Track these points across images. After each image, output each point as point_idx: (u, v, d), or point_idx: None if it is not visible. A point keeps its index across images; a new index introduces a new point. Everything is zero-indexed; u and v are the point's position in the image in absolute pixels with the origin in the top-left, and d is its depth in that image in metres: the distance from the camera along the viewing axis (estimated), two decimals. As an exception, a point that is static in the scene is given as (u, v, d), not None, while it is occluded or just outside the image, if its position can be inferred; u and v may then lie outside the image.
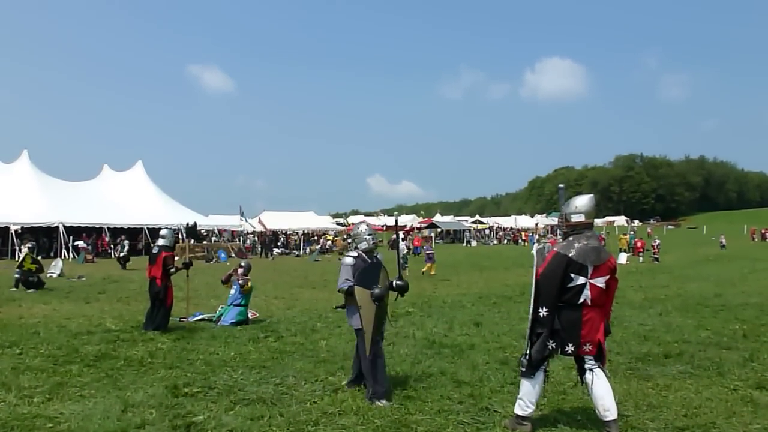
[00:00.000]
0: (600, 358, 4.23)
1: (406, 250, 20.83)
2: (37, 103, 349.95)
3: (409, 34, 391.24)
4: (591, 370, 4.19)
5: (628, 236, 34.47)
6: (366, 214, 76.31)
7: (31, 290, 14.15)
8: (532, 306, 4.17)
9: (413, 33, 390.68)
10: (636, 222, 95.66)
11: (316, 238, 45.22)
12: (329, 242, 41.83)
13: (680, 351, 7.13)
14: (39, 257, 16.50)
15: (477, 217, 74.71)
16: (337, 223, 52.42)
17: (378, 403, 5.01)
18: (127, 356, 6.94)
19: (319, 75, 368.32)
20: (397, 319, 9.85)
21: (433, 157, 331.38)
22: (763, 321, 9.40)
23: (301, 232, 44.48)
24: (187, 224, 31.51)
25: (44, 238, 31.10)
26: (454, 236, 59.55)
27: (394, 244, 41.60)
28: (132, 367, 6.40)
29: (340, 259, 5.94)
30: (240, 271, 9.82)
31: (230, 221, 42.68)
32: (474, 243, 52.38)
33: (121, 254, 23.67)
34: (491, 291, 14.43)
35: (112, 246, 30.23)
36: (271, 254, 34.73)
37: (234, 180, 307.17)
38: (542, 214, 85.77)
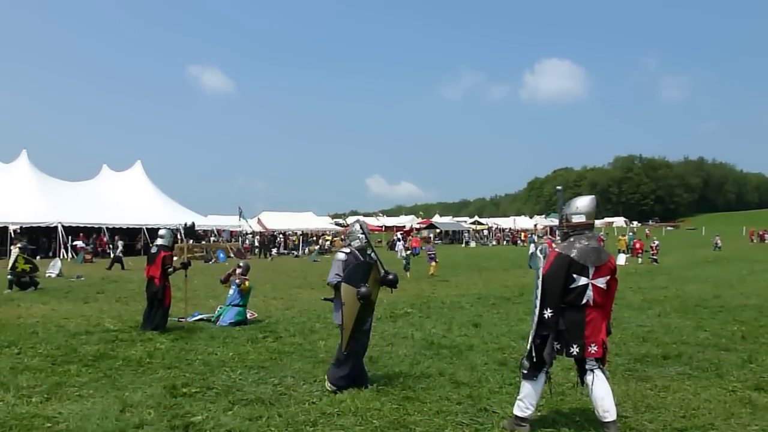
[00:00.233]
0: (601, 359, 4.24)
1: (407, 252, 20.73)
2: (36, 103, 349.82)
3: (409, 36, 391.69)
4: (592, 371, 4.19)
5: (626, 237, 34.50)
6: (365, 215, 76.25)
7: (30, 289, 14.11)
8: (537, 307, 4.15)
9: (413, 34, 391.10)
10: (635, 223, 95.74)
11: (315, 238, 45.21)
12: (328, 242, 41.81)
13: (679, 352, 7.13)
14: (37, 257, 16.42)
15: (476, 217, 74.73)
16: (336, 224, 52.33)
17: (328, 385, 5.39)
18: (125, 356, 6.93)
19: (319, 76, 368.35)
20: (395, 320, 9.86)
21: (432, 158, 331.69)
22: (762, 322, 9.40)
23: (300, 233, 44.48)
24: (186, 224, 31.46)
25: (43, 238, 31.11)
26: (453, 237, 59.56)
27: (393, 245, 41.63)
28: (130, 367, 6.39)
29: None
30: (238, 271, 9.82)
31: (229, 221, 42.67)
32: (473, 244, 52.38)
33: (115, 254, 23.61)
34: (490, 292, 14.43)
35: (110, 246, 30.20)
36: (270, 255, 34.71)
37: (233, 180, 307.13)
38: (541, 215, 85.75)
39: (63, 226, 29.60)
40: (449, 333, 8.58)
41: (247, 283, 9.61)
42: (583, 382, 4.30)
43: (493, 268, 23.47)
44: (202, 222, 39.02)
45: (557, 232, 4.68)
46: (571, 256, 4.15)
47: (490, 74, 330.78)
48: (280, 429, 4.41)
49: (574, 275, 4.13)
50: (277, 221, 44.18)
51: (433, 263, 19.89)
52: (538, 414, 4.63)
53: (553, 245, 5.69)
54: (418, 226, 56.25)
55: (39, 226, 29.87)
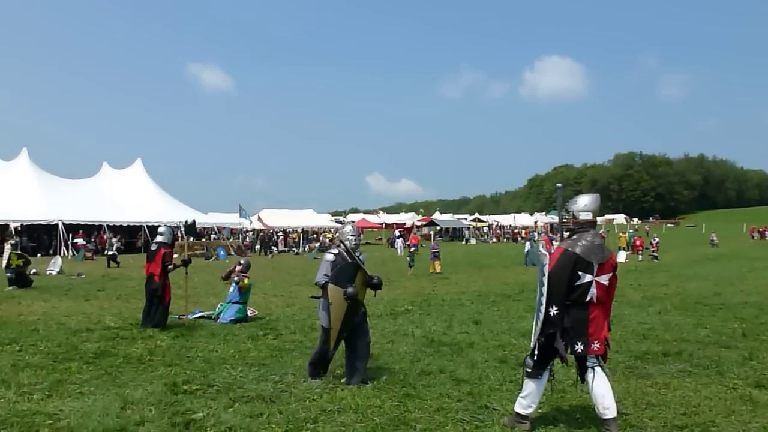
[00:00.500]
0: (602, 357, 4.24)
1: (412, 250, 20.65)
2: (36, 100, 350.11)
3: (409, 34, 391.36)
4: (592, 368, 4.19)
5: (627, 234, 34.49)
6: (365, 212, 76.26)
7: (14, 286, 14.09)
8: (543, 305, 4.13)
9: (413, 32, 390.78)
10: (635, 220, 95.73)
11: (315, 236, 45.22)
12: (328, 240, 41.81)
13: (679, 349, 7.13)
14: (38, 255, 16.49)
15: (476, 215, 74.63)
16: (337, 221, 52.38)
17: (311, 379, 5.59)
18: (126, 353, 6.94)
19: (319, 74, 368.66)
20: (396, 317, 9.86)
21: (432, 156, 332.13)
22: (763, 320, 9.40)
23: (300, 230, 44.48)
24: (186, 222, 31.47)
25: (44, 236, 31.12)
26: (454, 234, 59.51)
27: (393, 242, 41.61)
28: (131, 365, 6.40)
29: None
30: (238, 268, 9.82)
31: (229, 219, 42.68)
32: (473, 241, 52.34)
33: (109, 252, 23.58)
34: (490, 289, 14.43)
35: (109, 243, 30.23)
36: (271, 252, 34.71)
37: (233, 179, 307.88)
38: (541, 212, 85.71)
39: (63, 224, 29.60)
40: (450, 330, 8.59)
41: (246, 280, 9.61)
42: (583, 379, 4.30)
43: (493, 266, 23.46)
44: (203, 219, 39.02)
45: (558, 229, 4.66)
46: (577, 253, 4.14)
47: (491, 72, 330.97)
48: (281, 426, 4.41)
49: (579, 272, 4.13)
50: (277, 219, 44.22)
51: (437, 261, 19.87)
52: (539, 411, 4.63)
53: (553, 243, 5.67)
54: (418, 224, 56.22)
55: (40, 224, 29.89)
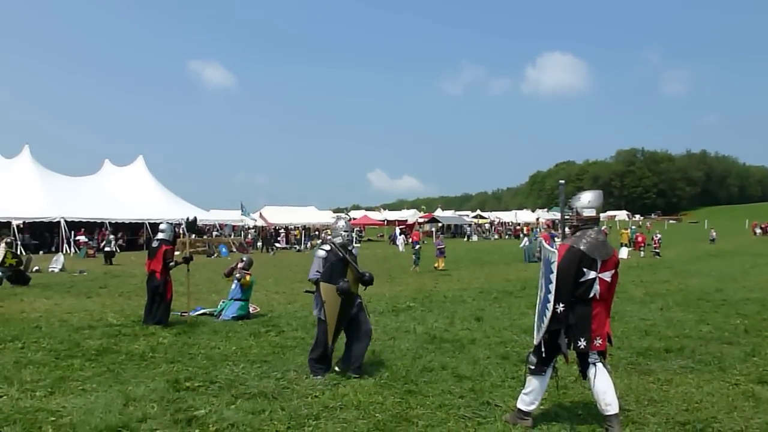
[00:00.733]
0: (603, 353, 4.23)
1: (417, 247, 20.57)
2: (38, 98, 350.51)
3: (410, 30, 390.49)
4: (594, 364, 4.18)
5: (629, 231, 34.44)
6: (367, 209, 76.22)
7: (10, 284, 14.08)
8: (551, 302, 4.10)
9: (414, 29, 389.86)
10: (637, 217, 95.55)
11: (317, 232, 45.21)
12: (329, 237, 41.80)
13: (681, 346, 7.12)
14: (40, 252, 16.53)
15: (478, 211, 74.73)
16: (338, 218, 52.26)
17: (313, 375, 5.59)
18: (128, 351, 6.95)
19: (320, 71, 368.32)
20: (398, 314, 9.87)
21: (434, 153, 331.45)
22: (765, 316, 9.38)
23: (302, 227, 44.50)
24: (188, 219, 31.51)
25: (46, 233, 31.19)
26: (455, 231, 59.54)
27: (394, 239, 41.61)
28: (133, 362, 6.41)
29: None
30: (240, 265, 9.82)
31: (231, 216, 42.72)
32: (475, 238, 52.34)
33: (107, 249, 23.61)
34: (492, 286, 14.43)
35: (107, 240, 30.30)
36: (272, 249, 34.75)
37: (235, 176, 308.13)
38: (543, 208, 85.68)
39: (65, 221, 29.67)
40: (451, 327, 8.59)
41: (248, 277, 9.61)
42: (585, 375, 4.29)
43: (495, 262, 23.46)
44: (204, 217, 39.08)
45: (561, 226, 4.65)
46: (582, 249, 4.14)
47: (492, 68, 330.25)
48: (283, 423, 4.41)
49: (584, 269, 4.12)
50: (279, 216, 44.23)
51: (442, 258, 19.85)
52: (541, 408, 4.63)
53: (556, 240, 5.66)
54: (420, 221, 56.21)
55: (41, 221, 29.94)
